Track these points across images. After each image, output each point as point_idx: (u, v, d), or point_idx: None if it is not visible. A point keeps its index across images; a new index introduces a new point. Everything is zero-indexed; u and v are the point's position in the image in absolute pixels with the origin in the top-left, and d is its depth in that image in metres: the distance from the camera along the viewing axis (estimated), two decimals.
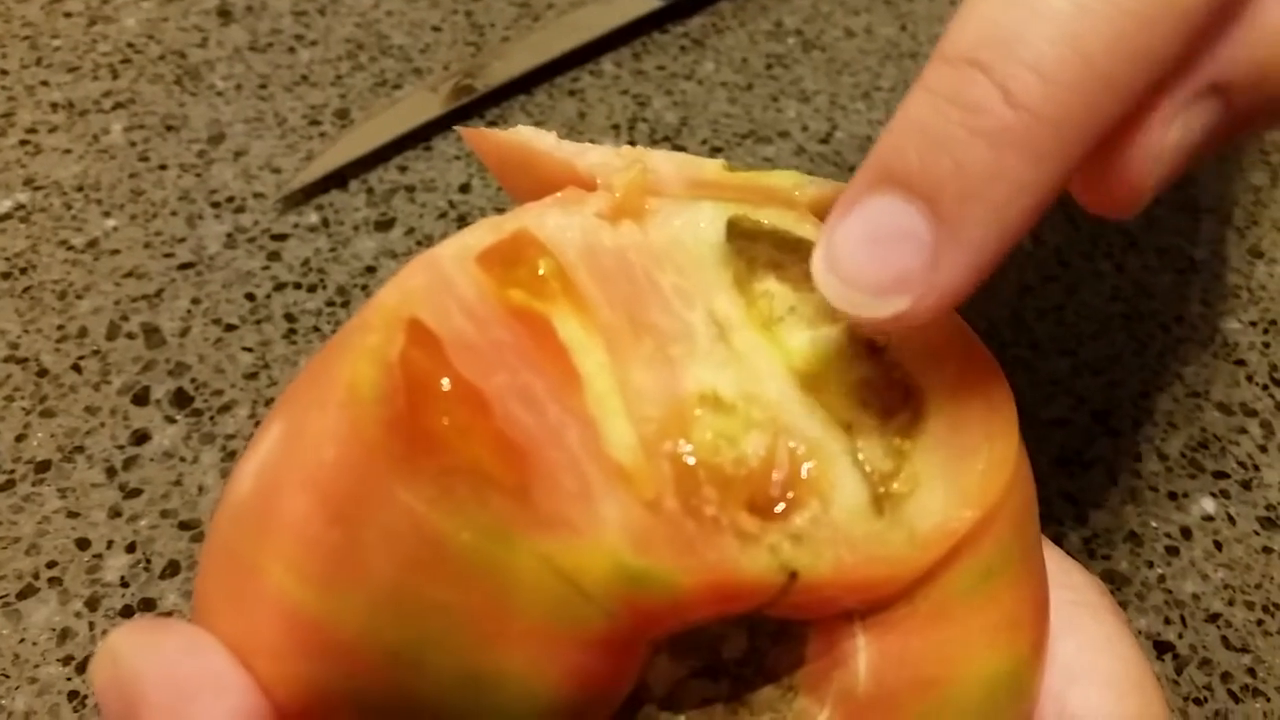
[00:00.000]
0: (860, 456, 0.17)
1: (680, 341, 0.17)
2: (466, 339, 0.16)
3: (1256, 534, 0.35)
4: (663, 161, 0.20)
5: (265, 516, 0.16)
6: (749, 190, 0.20)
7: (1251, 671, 0.32)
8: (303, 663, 0.15)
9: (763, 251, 0.19)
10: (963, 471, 0.17)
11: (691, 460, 0.16)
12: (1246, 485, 0.36)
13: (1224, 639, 0.33)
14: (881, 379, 0.18)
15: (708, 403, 0.17)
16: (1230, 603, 0.34)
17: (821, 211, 0.19)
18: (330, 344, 0.17)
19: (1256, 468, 0.37)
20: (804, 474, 0.17)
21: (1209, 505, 0.36)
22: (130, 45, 0.47)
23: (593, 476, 0.15)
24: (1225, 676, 0.32)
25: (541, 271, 0.17)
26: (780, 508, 0.16)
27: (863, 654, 0.17)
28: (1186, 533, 0.35)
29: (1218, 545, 0.35)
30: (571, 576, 0.15)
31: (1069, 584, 0.20)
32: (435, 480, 0.15)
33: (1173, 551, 0.35)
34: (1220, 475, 0.37)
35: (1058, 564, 0.21)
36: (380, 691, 0.15)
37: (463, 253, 0.17)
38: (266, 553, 0.16)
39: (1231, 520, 0.36)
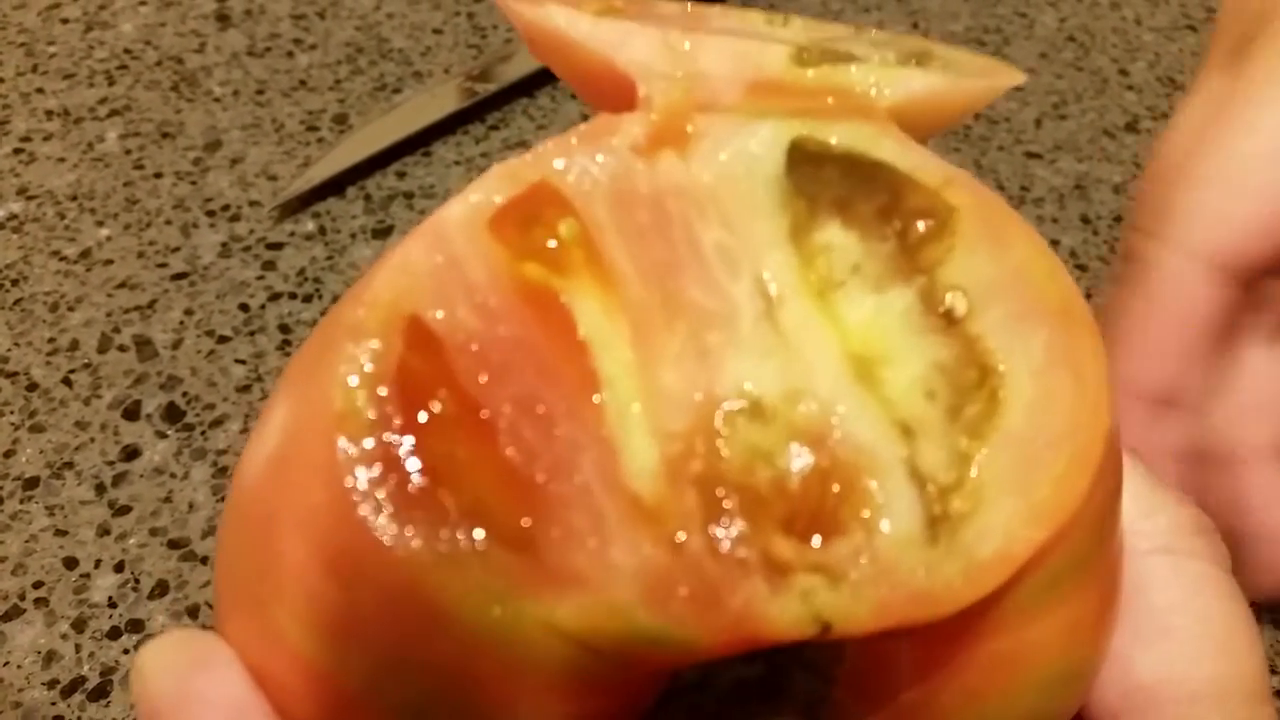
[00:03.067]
0: (918, 467, 0.15)
1: (719, 325, 0.15)
2: (472, 340, 0.14)
3: None
4: (717, 58, 0.17)
5: (266, 547, 0.15)
6: (820, 93, 0.17)
7: (1276, 694, 0.31)
8: (312, 706, 0.15)
9: (829, 182, 0.16)
10: (1037, 479, 0.15)
11: (721, 486, 0.14)
12: None
13: None
14: (955, 359, 0.15)
15: (744, 410, 0.15)
16: (1256, 620, 0.32)
17: (904, 119, 0.17)
18: (332, 318, 0.15)
19: None
20: (850, 495, 0.14)
21: None
22: (127, 51, 0.46)
23: (607, 513, 0.14)
24: None
25: (564, 235, 0.15)
26: (818, 539, 0.14)
27: (906, 657, 0.15)
28: None
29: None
30: (581, 639, 0.14)
31: (1149, 529, 0.18)
32: (433, 538, 0.13)
33: None
34: None
35: (1142, 502, 0.18)
36: None
37: (473, 218, 0.15)
38: (270, 591, 0.15)
39: None
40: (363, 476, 0.13)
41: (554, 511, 0.14)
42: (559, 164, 0.15)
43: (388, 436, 0.13)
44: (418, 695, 0.14)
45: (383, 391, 0.14)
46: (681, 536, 0.14)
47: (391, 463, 0.13)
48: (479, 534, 0.13)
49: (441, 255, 0.15)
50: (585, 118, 0.46)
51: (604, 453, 0.14)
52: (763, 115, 0.16)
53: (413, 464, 0.13)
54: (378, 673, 0.14)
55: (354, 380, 0.14)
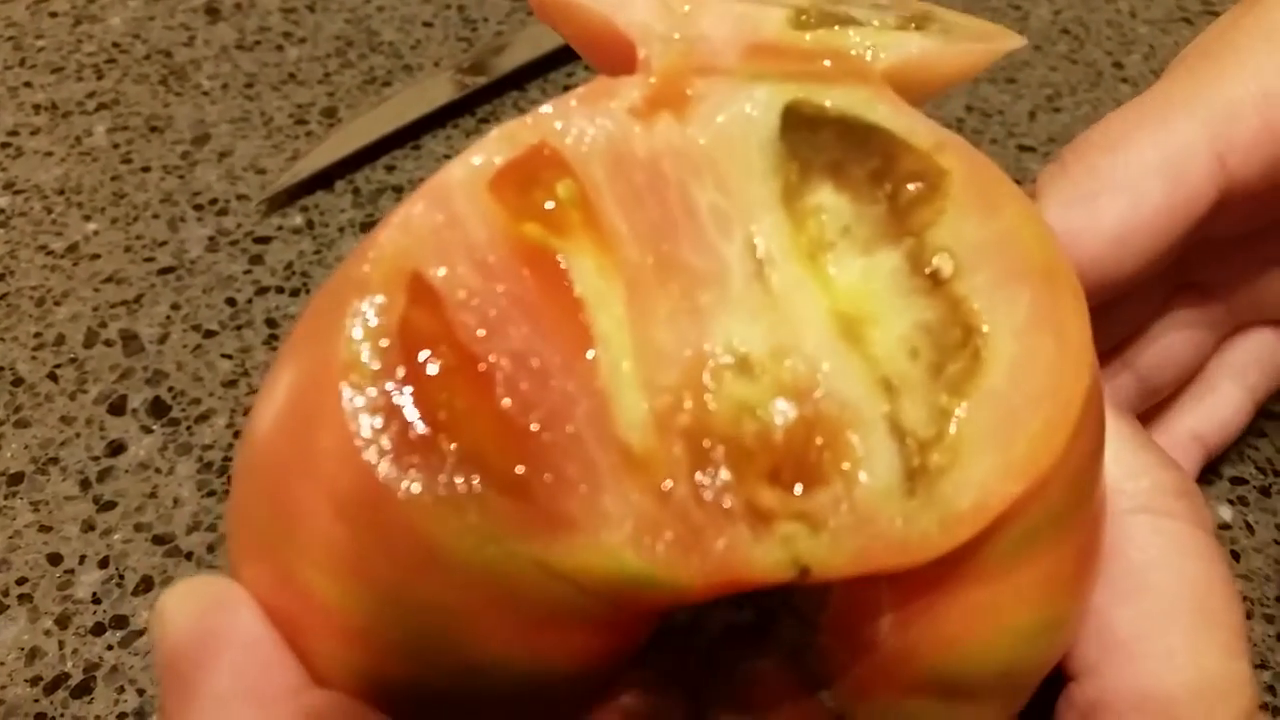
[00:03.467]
0: (899, 422, 0.15)
1: (711, 285, 0.16)
2: (472, 296, 0.15)
3: (1276, 543, 0.34)
4: (716, 20, 0.17)
5: (279, 494, 0.15)
6: (816, 56, 0.17)
7: (1271, 689, 0.31)
8: (323, 639, 0.15)
9: (823, 145, 0.17)
10: (1014, 436, 0.15)
11: (708, 438, 0.15)
12: (1265, 492, 0.35)
13: None
14: (940, 319, 0.16)
15: (733, 365, 0.15)
16: (1248, 615, 0.32)
17: (900, 83, 0.17)
18: (338, 277, 0.16)
19: (1276, 473, 0.35)
20: (832, 447, 0.15)
21: (1226, 513, 0.35)
22: (116, 45, 0.46)
23: (599, 462, 0.14)
24: None
25: (561, 196, 0.15)
26: (800, 488, 0.15)
27: (887, 606, 0.16)
28: None
29: (1235, 555, 0.33)
30: (572, 578, 0.14)
31: (1133, 488, 0.18)
32: (431, 479, 0.14)
33: None
34: (1238, 481, 0.35)
35: (1126, 463, 0.18)
36: (393, 673, 0.15)
37: (474, 178, 0.15)
38: (283, 535, 0.15)
39: (1250, 529, 0.34)
40: (366, 424, 0.14)
41: (548, 459, 0.14)
42: (558, 126, 0.16)
43: (390, 386, 0.14)
44: (418, 630, 0.15)
45: (385, 344, 0.14)
46: (668, 485, 0.14)
47: (394, 411, 0.14)
48: (476, 479, 0.14)
49: (443, 214, 0.15)
50: None
51: (597, 405, 0.15)
52: (759, 78, 0.17)
53: (413, 413, 0.14)
54: (382, 609, 0.15)
55: (358, 333, 0.14)
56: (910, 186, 0.17)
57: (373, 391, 0.14)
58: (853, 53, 0.17)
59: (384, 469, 0.14)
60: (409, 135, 0.42)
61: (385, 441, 0.14)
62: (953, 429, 0.15)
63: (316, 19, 0.47)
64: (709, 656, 0.19)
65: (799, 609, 0.18)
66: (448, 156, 0.42)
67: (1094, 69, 0.49)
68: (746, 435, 0.15)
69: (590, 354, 0.15)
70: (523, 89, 0.45)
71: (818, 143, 0.17)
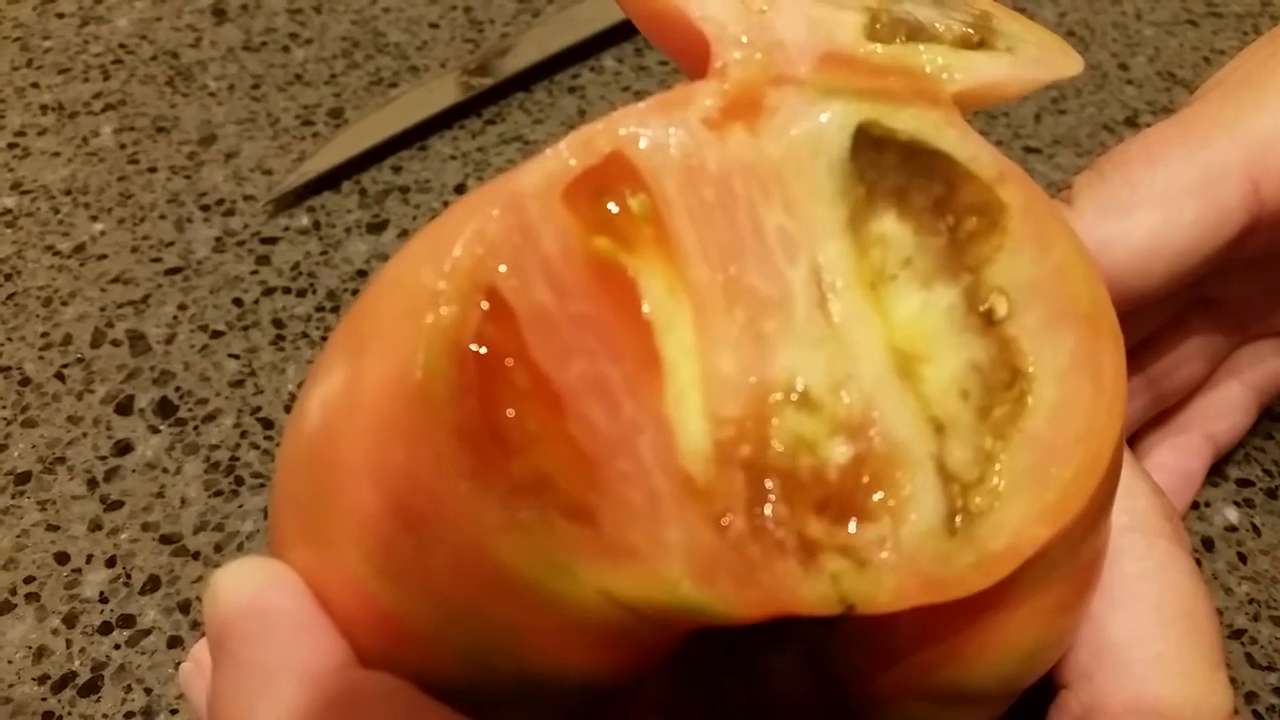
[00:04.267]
0: (945, 463, 0.16)
1: (775, 312, 0.16)
2: (545, 314, 0.15)
3: None
4: (792, 24, 0.17)
5: (341, 493, 0.15)
6: (890, 74, 0.17)
7: (1278, 691, 0.31)
8: (375, 638, 0.16)
9: (890, 167, 0.17)
10: (1049, 480, 0.16)
11: (766, 474, 0.15)
12: (1272, 494, 0.35)
13: (1249, 656, 0.31)
14: (990, 360, 0.16)
15: (793, 400, 0.16)
16: (1255, 618, 0.32)
17: (965, 101, 0.17)
18: (403, 272, 0.15)
19: None
20: (881, 485, 0.15)
21: (1232, 515, 0.34)
22: (122, 46, 0.46)
23: (662, 491, 0.15)
24: (1250, 697, 0.31)
25: (634, 209, 0.15)
26: (849, 524, 0.15)
27: (907, 623, 0.16)
28: (1209, 544, 0.34)
29: (1242, 558, 0.33)
30: (631, 605, 0.15)
31: (1129, 507, 0.19)
32: (503, 502, 0.14)
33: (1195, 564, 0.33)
34: (1245, 483, 0.35)
35: (1125, 485, 0.19)
36: (445, 674, 0.16)
37: (548, 187, 0.15)
38: (341, 530, 0.15)
39: (1256, 531, 0.34)
40: (441, 444, 0.14)
41: (614, 486, 0.14)
42: (633, 134, 0.16)
43: (465, 406, 0.14)
44: (476, 642, 0.15)
45: (461, 362, 0.14)
46: (727, 519, 0.15)
47: (468, 431, 0.14)
48: (545, 503, 0.14)
49: (517, 225, 0.15)
50: (582, 113, 0.46)
51: (661, 433, 0.15)
52: (833, 94, 0.17)
53: (488, 434, 0.14)
54: (442, 618, 0.15)
55: (434, 349, 0.14)
56: (971, 220, 0.17)
57: (448, 411, 0.14)
58: (926, 70, 0.17)
59: (457, 490, 0.14)
60: (415, 136, 0.42)
61: (459, 463, 0.14)
62: (995, 472, 0.16)
63: (323, 20, 0.47)
64: (730, 651, 0.19)
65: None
66: (454, 157, 0.42)
67: (1099, 71, 0.49)
68: (802, 469, 0.15)
69: (657, 380, 0.15)
70: (529, 90, 0.45)
71: (884, 165, 0.17)
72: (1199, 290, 0.28)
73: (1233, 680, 0.31)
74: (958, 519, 0.15)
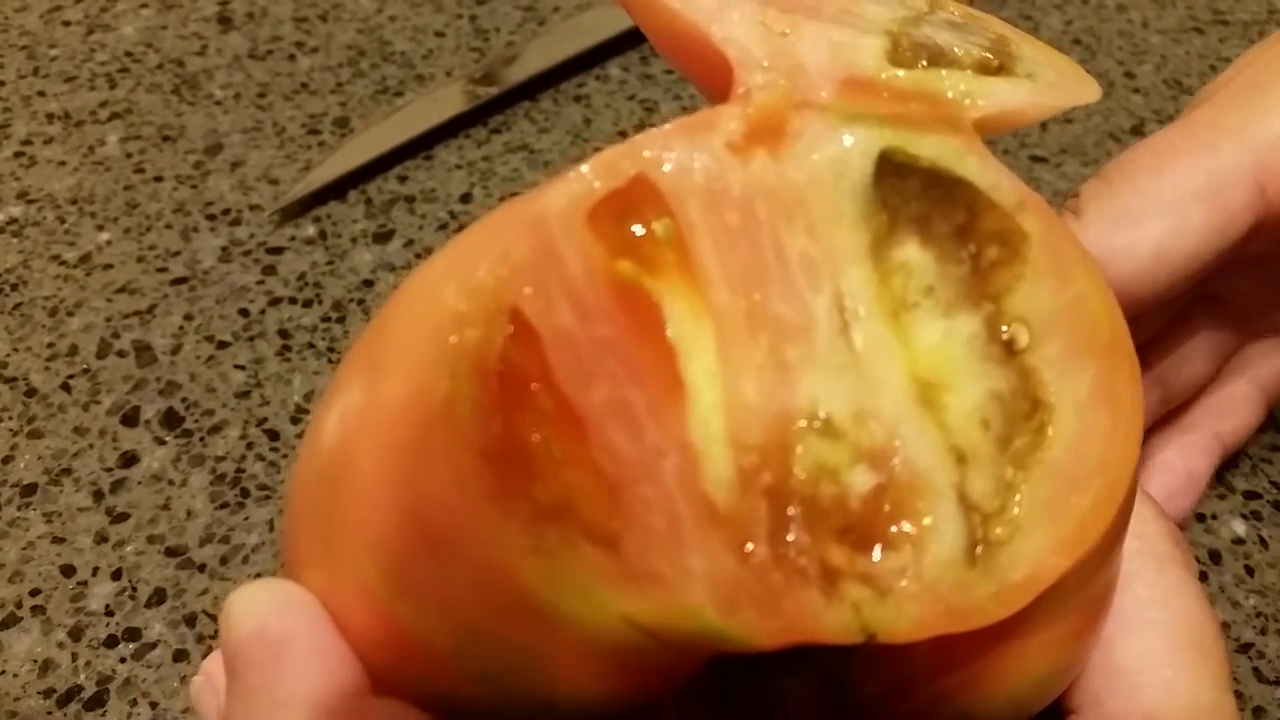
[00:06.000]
0: (966, 493, 0.16)
1: (798, 339, 0.16)
2: (569, 337, 0.15)
3: None
4: (813, 48, 0.17)
5: (360, 512, 0.15)
6: (912, 99, 0.17)
7: None
8: (392, 658, 0.16)
9: (912, 194, 0.16)
10: (1068, 511, 0.16)
11: (788, 501, 0.15)
12: (1279, 506, 0.35)
13: (1256, 671, 0.31)
14: (1011, 390, 0.16)
15: (816, 427, 0.15)
16: (1263, 631, 0.32)
17: (985, 126, 0.17)
18: (426, 291, 0.15)
19: None
20: (903, 515, 0.15)
21: (1240, 528, 0.34)
22: (128, 54, 0.46)
23: (685, 517, 0.15)
24: (1258, 711, 0.30)
25: (658, 233, 0.15)
26: (871, 553, 0.15)
27: (924, 651, 0.16)
28: (1216, 557, 0.34)
29: (1249, 570, 0.33)
30: (653, 631, 0.15)
31: (1140, 533, 0.19)
32: (526, 526, 0.14)
33: (1201, 577, 0.33)
34: (1252, 495, 0.35)
35: (1135, 511, 0.19)
36: (463, 695, 0.16)
37: (572, 209, 0.15)
38: (358, 549, 0.15)
39: (1264, 544, 0.34)
40: (465, 465, 0.14)
41: (637, 513, 0.14)
42: (657, 157, 0.16)
43: (489, 428, 0.14)
44: (495, 663, 0.15)
45: (486, 384, 0.14)
46: (750, 546, 0.15)
47: (492, 455, 0.14)
48: (569, 528, 0.14)
49: (541, 246, 0.15)
50: (588, 122, 0.46)
51: (685, 459, 0.15)
52: (855, 120, 0.17)
53: (512, 457, 0.14)
54: (460, 639, 0.15)
55: (458, 370, 0.14)
56: (992, 249, 0.17)
57: (472, 434, 0.14)
58: (949, 96, 0.17)
59: (481, 514, 0.14)
60: (421, 145, 0.42)
61: (482, 486, 0.14)
62: (1015, 503, 0.16)
63: (329, 29, 0.47)
64: (746, 674, 0.19)
65: None
66: (459, 166, 0.42)
67: (1105, 79, 0.49)
68: (824, 498, 0.15)
69: (680, 405, 0.15)
70: (534, 99, 0.45)
71: (906, 191, 0.17)
72: (1204, 288, 0.28)
73: (1240, 695, 0.31)
74: (978, 549, 0.15)
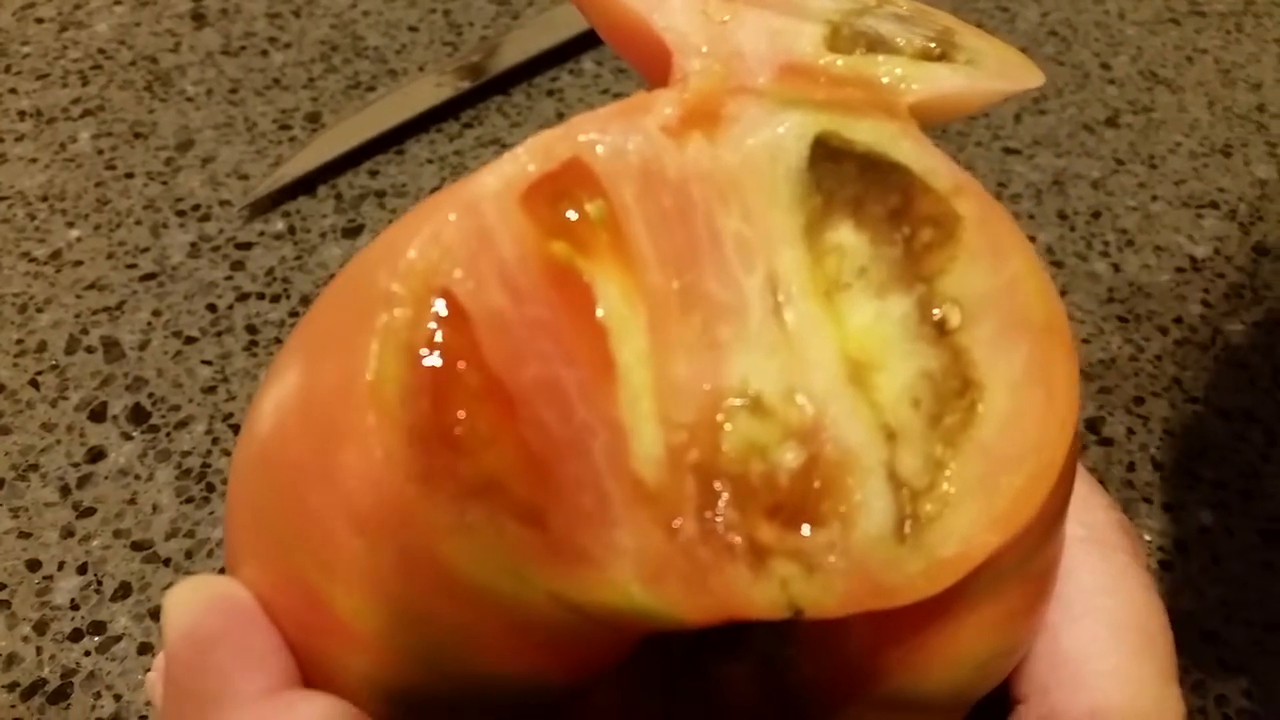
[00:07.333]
0: (895, 470, 0.16)
1: (730, 319, 0.16)
2: (500, 317, 0.15)
3: (1256, 548, 0.34)
4: (753, 34, 0.17)
5: (294, 499, 0.15)
6: (849, 85, 0.17)
7: (1249, 694, 0.31)
8: (327, 642, 0.16)
9: (847, 177, 0.17)
10: (999, 488, 0.16)
11: (717, 476, 0.15)
12: (1247, 495, 0.35)
13: (1220, 659, 0.31)
14: (942, 369, 0.16)
15: (746, 405, 0.15)
16: (1228, 620, 0.32)
17: (923, 113, 0.17)
18: (358, 275, 0.16)
19: (1258, 476, 0.35)
20: (832, 492, 0.15)
21: (1207, 517, 0.34)
22: (101, 51, 0.46)
23: (613, 494, 0.15)
24: (1220, 700, 0.31)
25: (591, 215, 0.15)
26: (799, 529, 0.15)
27: (859, 629, 0.17)
28: (1182, 546, 0.34)
29: (1215, 560, 0.33)
30: (581, 608, 0.15)
31: (1087, 521, 0.19)
32: (453, 504, 0.14)
33: (1167, 566, 0.33)
34: (1219, 485, 0.35)
35: (1081, 495, 0.19)
36: (398, 677, 0.16)
37: (506, 191, 0.15)
38: (292, 534, 0.15)
39: (1230, 533, 0.34)
40: (391, 444, 0.14)
41: (565, 490, 0.14)
42: (592, 140, 0.16)
43: (417, 408, 0.14)
44: (427, 644, 0.15)
45: (414, 364, 0.14)
46: (678, 523, 0.15)
47: (418, 434, 0.14)
48: (496, 507, 0.14)
49: (474, 228, 0.15)
50: (561, 116, 0.46)
51: (614, 437, 0.15)
52: (791, 104, 0.17)
53: (439, 436, 0.14)
54: (395, 622, 0.15)
55: (387, 350, 0.14)
56: (926, 230, 0.17)
57: (399, 413, 0.14)
58: (884, 81, 0.17)
59: (407, 492, 0.14)
60: (392, 140, 0.42)
61: (409, 464, 0.14)
62: (944, 479, 0.16)
63: (301, 24, 0.47)
64: (687, 658, 0.19)
65: (775, 622, 0.18)
66: (430, 161, 0.42)
67: (1081, 70, 0.49)
68: (753, 475, 0.15)
69: (611, 385, 0.15)
70: (507, 94, 0.45)
71: (841, 175, 0.17)
72: None
73: (1203, 683, 0.31)
74: (907, 525, 0.15)
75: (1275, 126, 0.47)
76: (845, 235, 0.17)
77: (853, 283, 0.16)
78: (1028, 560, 0.17)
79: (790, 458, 0.15)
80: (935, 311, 0.16)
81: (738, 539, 0.15)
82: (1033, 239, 0.42)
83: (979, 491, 0.16)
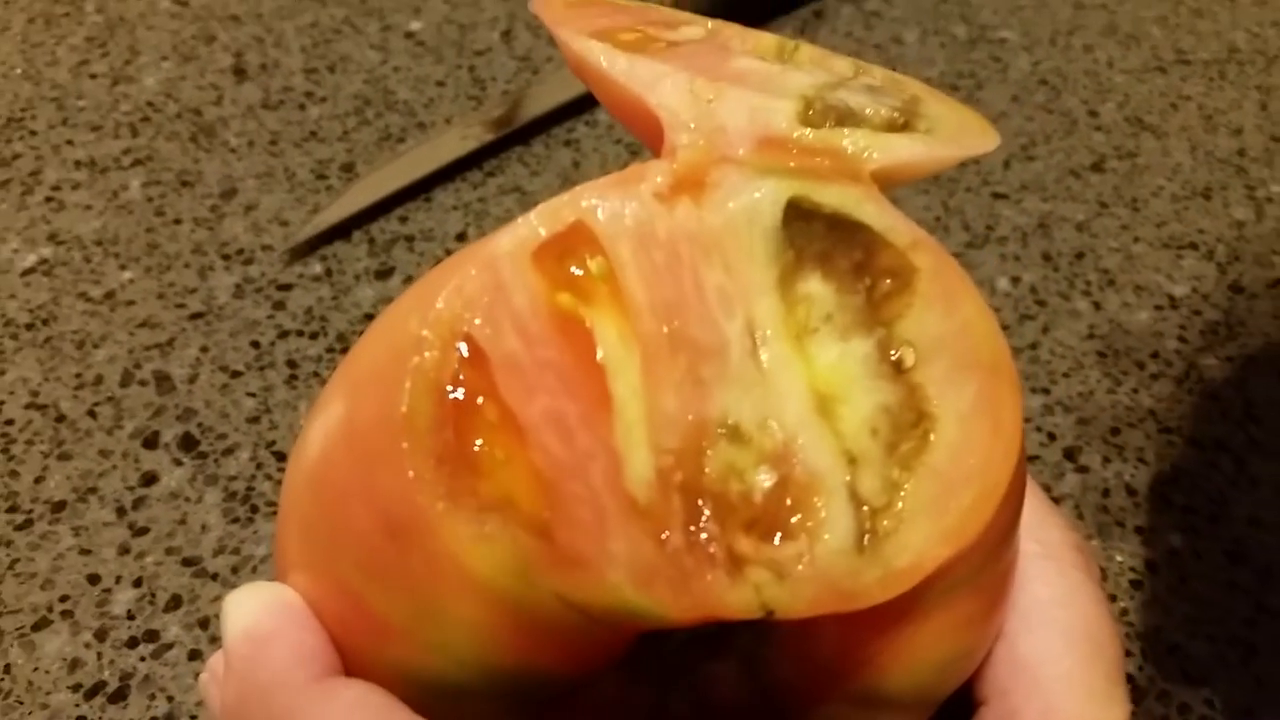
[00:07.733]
0: (857, 490, 0.18)
1: (713, 359, 0.18)
2: (514, 359, 0.17)
3: (1222, 568, 0.36)
4: (734, 110, 0.20)
5: (336, 511, 0.18)
6: (818, 154, 0.20)
7: (1210, 703, 0.33)
8: (364, 637, 0.18)
9: (816, 235, 0.19)
10: (949, 507, 0.18)
11: (700, 496, 0.18)
12: (1214, 520, 0.37)
13: (1184, 671, 0.34)
14: (898, 403, 0.19)
15: (726, 434, 0.18)
16: (1192, 635, 0.34)
17: (887, 177, 0.20)
18: (393, 321, 0.18)
19: (1225, 502, 0.38)
20: (801, 509, 0.18)
21: (1176, 540, 0.37)
22: (150, 104, 0.50)
23: (609, 510, 0.17)
24: (1183, 708, 0.33)
25: (593, 270, 0.18)
26: (771, 541, 0.18)
27: (830, 633, 0.19)
28: (1152, 566, 0.36)
29: (1183, 579, 0.36)
30: (582, 608, 0.17)
31: (1043, 539, 0.21)
32: (473, 518, 0.17)
33: (1138, 585, 0.36)
34: (1189, 510, 0.38)
35: (1039, 516, 0.21)
36: (423, 666, 0.18)
37: (519, 250, 0.18)
38: (336, 543, 0.18)
39: (1198, 555, 0.36)
40: (421, 467, 0.17)
41: (568, 506, 0.17)
42: (593, 206, 0.18)
43: (443, 436, 0.17)
44: (447, 637, 0.18)
45: (440, 399, 0.17)
46: (666, 535, 0.17)
47: (444, 458, 0.17)
48: (508, 519, 0.17)
49: (491, 282, 0.18)
50: (577, 165, 0.49)
51: (611, 461, 0.17)
52: (767, 172, 0.19)
53: (460, 460, 0.17)
54: (420, 617, 0.17)
55: (417, 388, 0.17)
56: (886, 281, 0.19)
57: (427, 441, 0.17)
58: (849, 151, 0.20)
59: (434, 507, 0.17)
60: (421, 189, 0.46)
61: (436, 484, 0.17)
62: (899, 499, 0.18)
63: (336, 79, 0.51)
64: (676, 656, 0.22)
65: (755, 624, 0.20)
66: (456, 208, 0.45)
67: (1069, 117, 0.52)
68: (732, 493, 0.18)
69: (608, 416, 0.17)
70: (527, 144, 0.48)
71: (811, 233, 0.19)
72: None
73: (1167, 694, 0.33)
74: (866, 539, 0.18)
75: (1255, 170, 0.50)
76: (814, 286, 0.19)
77: (820, 327, 0.19)
78: (979, 572, 0.19)
79: (764, 479, 0.18)
80: (893, 352, 0.19)
81: (718, 549, 0.17)
82: (1017, 279, 0.44)
83: (931, 510, 0.18)
